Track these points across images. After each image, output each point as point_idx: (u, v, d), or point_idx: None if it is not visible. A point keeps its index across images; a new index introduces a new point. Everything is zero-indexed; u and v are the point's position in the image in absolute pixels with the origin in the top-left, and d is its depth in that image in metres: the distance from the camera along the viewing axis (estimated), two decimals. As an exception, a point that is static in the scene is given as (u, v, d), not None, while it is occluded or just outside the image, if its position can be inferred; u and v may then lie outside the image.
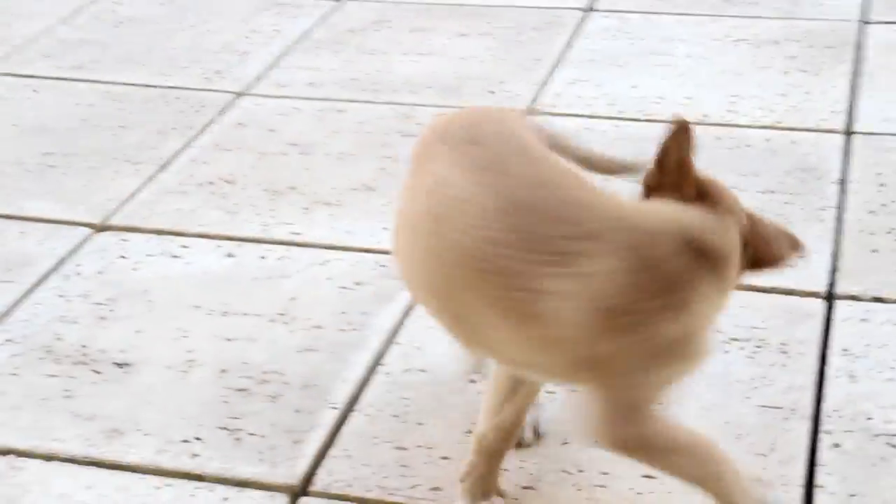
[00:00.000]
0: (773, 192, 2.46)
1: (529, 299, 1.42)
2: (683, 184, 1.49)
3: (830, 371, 1.95)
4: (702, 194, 1.49)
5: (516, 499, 1.73)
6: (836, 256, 2.25)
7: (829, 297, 2.14)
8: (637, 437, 1.47)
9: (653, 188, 1.51)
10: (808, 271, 2.20)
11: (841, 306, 2.11)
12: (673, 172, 1.49)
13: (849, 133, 2.68)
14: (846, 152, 2.60)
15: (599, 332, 1.42)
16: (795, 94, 2.86)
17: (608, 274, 1.41)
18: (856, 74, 2.93)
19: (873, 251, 2.25)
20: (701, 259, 1.45)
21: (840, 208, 2.40)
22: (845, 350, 2.00)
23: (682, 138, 1.46)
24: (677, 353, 1.45)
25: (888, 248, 2.26)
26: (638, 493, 1.73)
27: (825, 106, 2.79)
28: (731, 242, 1.49)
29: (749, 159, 2.59)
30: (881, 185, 2.46)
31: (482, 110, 1.66)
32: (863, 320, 2.07)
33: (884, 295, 2.13)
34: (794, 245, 1.57)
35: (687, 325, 1.44)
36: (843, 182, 2.49)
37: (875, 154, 2.58)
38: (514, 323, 1.44)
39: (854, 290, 2.15)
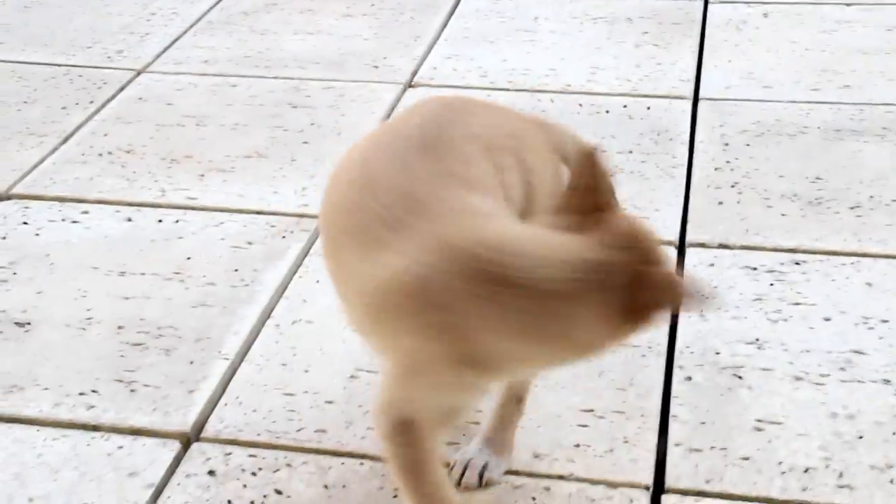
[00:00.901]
0: (630, 152, 2.39)
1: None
2: (588, 208, 1.25)
3: (682, 312, 1.90)
4: (603, 222, 1.24)
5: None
6: (686, 209, 2.19)
7: (681, 245, 2.08)
8: None
9: (562, 208, 1.27)
10: (662, 222, 2.14)
11: (691, 253, 2.05)
12: (581, 196, 1.25)
13: (696, 99, 2.63)
14: (694, 116, 2.55)
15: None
16: (648, 65, 2.79)
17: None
18: (701, 48, 2.88)
19: (719, 203, 2.20)
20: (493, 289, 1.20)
21: (689, 166, 2.34)
22: (695, 292, 1.94)
23: (591, 164, 1.24)
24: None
25: (731, 201, 2.20)
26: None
27: (675, 76, 2.73)
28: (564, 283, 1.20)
29: (608, 124, 2.52)
30: (725, 144, 2.41)
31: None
32: (710, 265, 2.02)
33: (729, 242, 2.08)
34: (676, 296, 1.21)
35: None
36: (691, 143, 2.43)
37: (719, 117, 2.53)
38: None
39: (702, 239, 2.09)
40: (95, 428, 1.68)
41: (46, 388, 1.76)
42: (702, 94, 2.65)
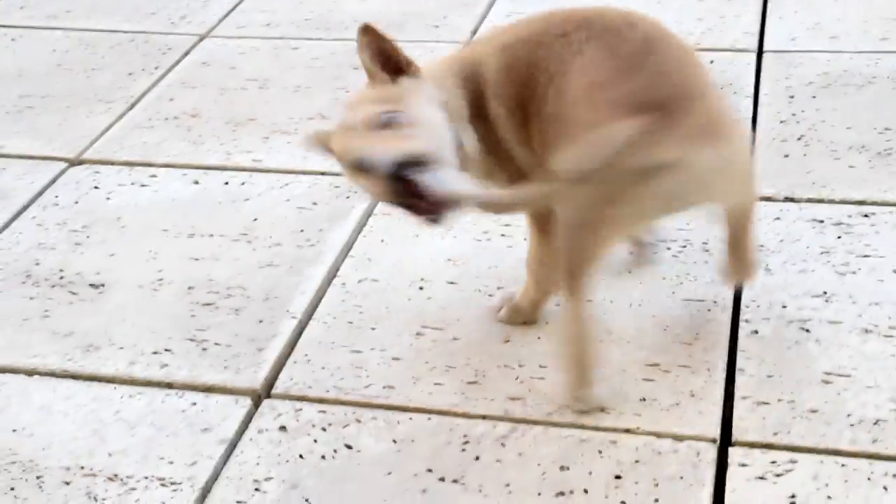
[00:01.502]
0: (692, 106, 2.36)
1: None
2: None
3: (748, 266, 1.88)
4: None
5: (463, 393, 1.66)
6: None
7: (746, 199, 2.06)
8: None
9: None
10: (725, 177, 2.12)
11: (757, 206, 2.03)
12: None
13: (760, 52, 2.59)
14: (758, 69, 2.51)
15: None
16: (711, 18, 2.76)
17: None
18: (765, 0, 2.83)
19: (784, 156, 2.17)
20: None
21: (754, 119, 2.31)
22: (761, 246, 1.92)
23: (372, 38, 1.55)
24: None
25: (797, 153, 2.18)
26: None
27: (739, 28, 2.69)
28: None
29: (670, 78, 2.49)
30: (790, 97, 2.38)
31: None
32: (776, 219, 2.00)
33: (795, 195, 2.06)
34: None
35: None
36: (756, 95, 2.40)
37: (784, 70, 2.49)
38: None
39: (768, 192, 2.07)
40: (170, 385, 1.72)
41: (122, 348, 1.81)
42: (766, 46, 2.61)
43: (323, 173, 2.24)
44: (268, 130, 2.42)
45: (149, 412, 1.68)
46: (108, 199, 2.22)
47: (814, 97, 2.37)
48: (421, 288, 1.88)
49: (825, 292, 1.81)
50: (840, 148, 2.18)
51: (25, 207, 2.21)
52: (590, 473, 1.51)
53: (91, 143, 2.42)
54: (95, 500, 1.53)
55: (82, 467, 1.58)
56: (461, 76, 1.58)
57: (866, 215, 1.98)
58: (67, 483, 1.56)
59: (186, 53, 2.80)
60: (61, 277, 1.99)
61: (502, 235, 1.99)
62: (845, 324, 1.74)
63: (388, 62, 1.55)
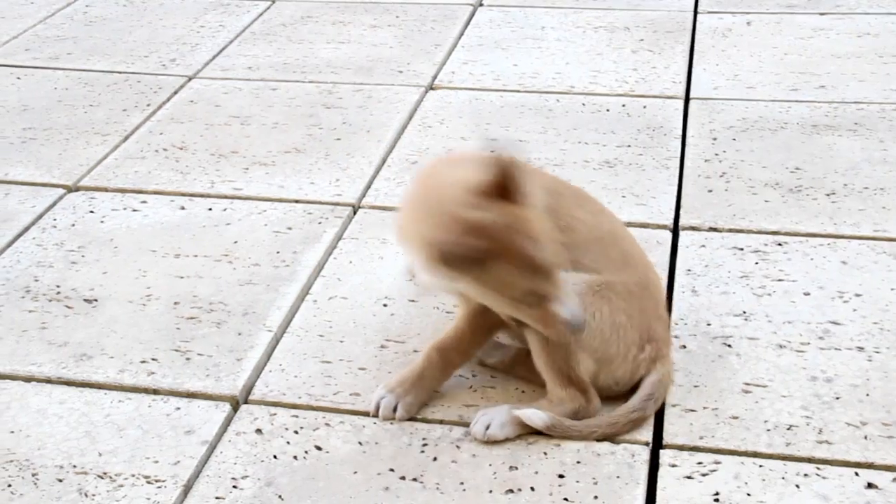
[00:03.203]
0: (628, 146, 2.37)
1: None
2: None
3: (677, 287, 1.88)
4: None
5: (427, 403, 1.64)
6: (679, 196, 2.17)
7: (675, 229, 2.06)
8: None
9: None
10: (658, 209, 2.12)
11: (684, 235, 2.04)
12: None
13: (687, 99, 2.60)
14: (685, 114, 2.53)
15: None
16: (644, 69, 2.77)
17: None
18: (691, 53, 2.86)
19: (709, 191, 2.18)
20: None
21: (682, 158, 2.32)
22: (689, 270, 1.93)
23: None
24: None
25: (720, 189, 2.19)
26: (521, 392, 1.64)
27: (668, 78, 2.71)
28: None
29: (608, 121, 2.50)
30: (713, 139, 2.39)
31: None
32: (702, 246, 2.00)
33: (718, 225, 2.06)
34: None
35: None
36: (683, 137, 2.41)
37: (708, 115, 2.51)
38: None
39: (694, 223, 2.07)
40: (156, 392, 1.68)
41: (112, 357, 1.76)
42: (692, 94, 2.62)
43: (297, 201, 2.22)
44: (248, 162, 2.39)
45: (136, 416, 1.63)
46: (102, 222, 2.18)
47: (734, 139, 2.38)
48: (385, 305, 1.86)
49: (745, 312, 1.81)
50: (757, 184, 2.19)
51: (27, 229, 2.16)
52: (536, 473, 1.49)
53: (88, 171, 2.38)
54: (86, 496, 1.49)
55: (74, 466, 1.54)
56: None
57: (780, 244, 1.99)
58: (60, 480, 1.52)
59: (176, 92, 2.76)
60: (58, 293, 1.94)
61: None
62: (762, 340, 1.74)
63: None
